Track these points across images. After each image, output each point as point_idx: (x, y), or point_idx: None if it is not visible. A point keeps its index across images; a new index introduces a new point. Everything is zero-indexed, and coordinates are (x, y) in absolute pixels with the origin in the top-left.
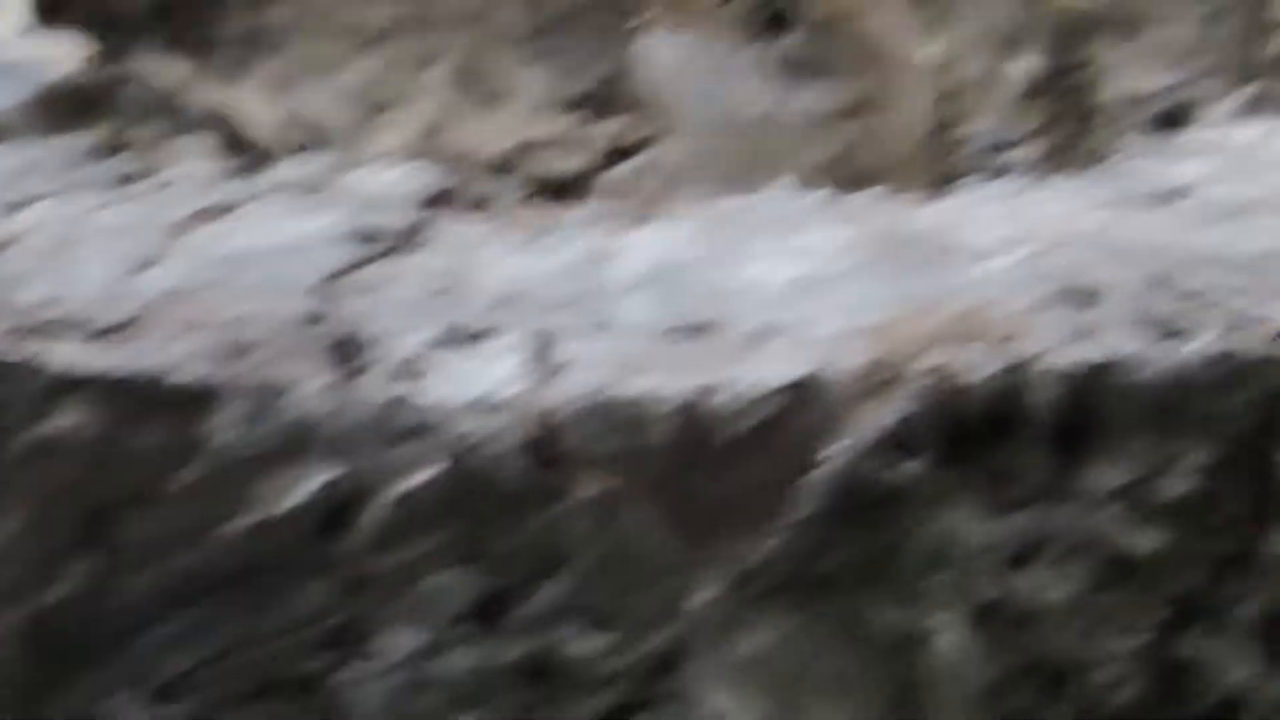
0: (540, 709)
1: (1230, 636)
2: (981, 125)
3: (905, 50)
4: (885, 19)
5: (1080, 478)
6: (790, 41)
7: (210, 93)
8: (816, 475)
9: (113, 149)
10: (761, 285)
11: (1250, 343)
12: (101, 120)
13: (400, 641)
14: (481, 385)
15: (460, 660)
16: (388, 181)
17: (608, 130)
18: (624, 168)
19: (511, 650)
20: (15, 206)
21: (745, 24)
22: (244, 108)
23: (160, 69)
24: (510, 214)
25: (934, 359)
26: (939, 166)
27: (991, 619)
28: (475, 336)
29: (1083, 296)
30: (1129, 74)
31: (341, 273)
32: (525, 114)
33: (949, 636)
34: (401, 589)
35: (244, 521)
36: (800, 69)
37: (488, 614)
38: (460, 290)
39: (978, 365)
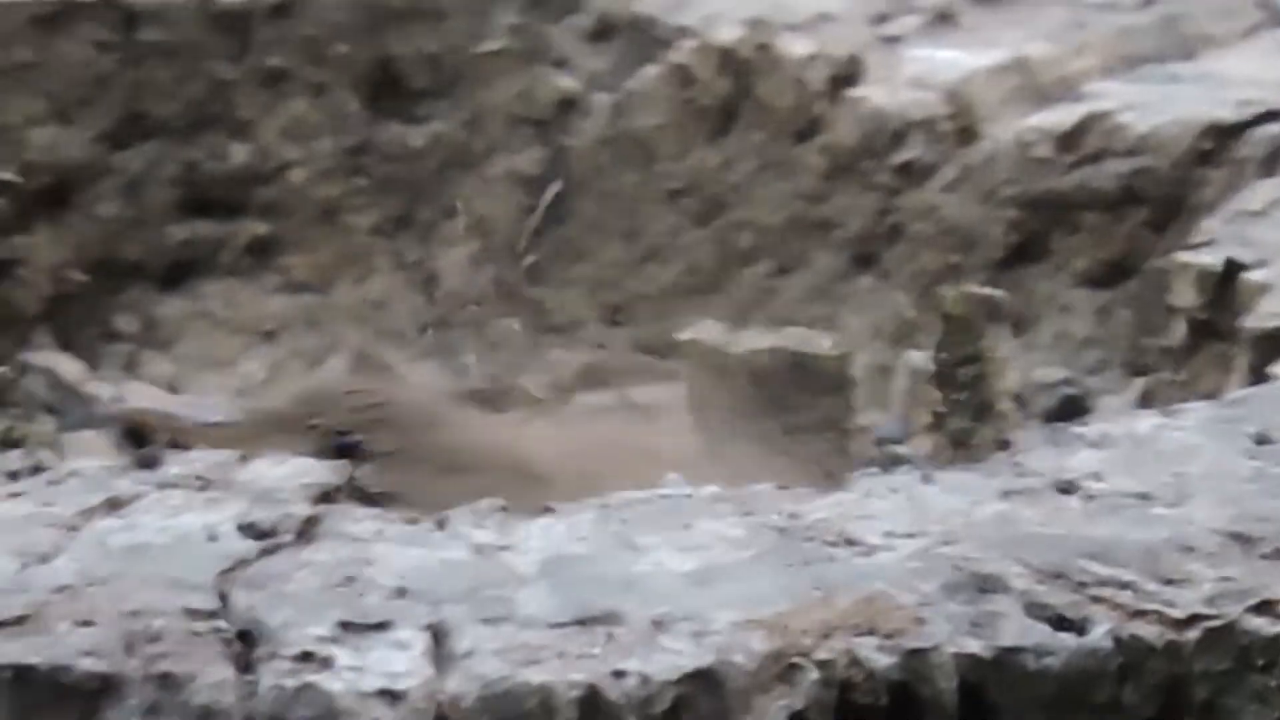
0: None
1: None
2: (877, 418)
3: None
4: None
5: None
6: None
7: (103, 389)
8: None
9: (7, 444)
10: (658, 576)
11: (1146, 632)
12: None
13: None
14: (383, 676)
15: None
16: (280, 476)
17: None
18: None
19: None
20: None
21: None
22: (137, 404)
23: (53, 366)
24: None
25: (832, 649)
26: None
27: None
28: (375, 627)
29: (980, 587)
30: (1025, 366)
31: (239, 565)
32: None
33: None
34: None
35: None
36: None
37: None
38: (357, 582)
39: (876, 656)
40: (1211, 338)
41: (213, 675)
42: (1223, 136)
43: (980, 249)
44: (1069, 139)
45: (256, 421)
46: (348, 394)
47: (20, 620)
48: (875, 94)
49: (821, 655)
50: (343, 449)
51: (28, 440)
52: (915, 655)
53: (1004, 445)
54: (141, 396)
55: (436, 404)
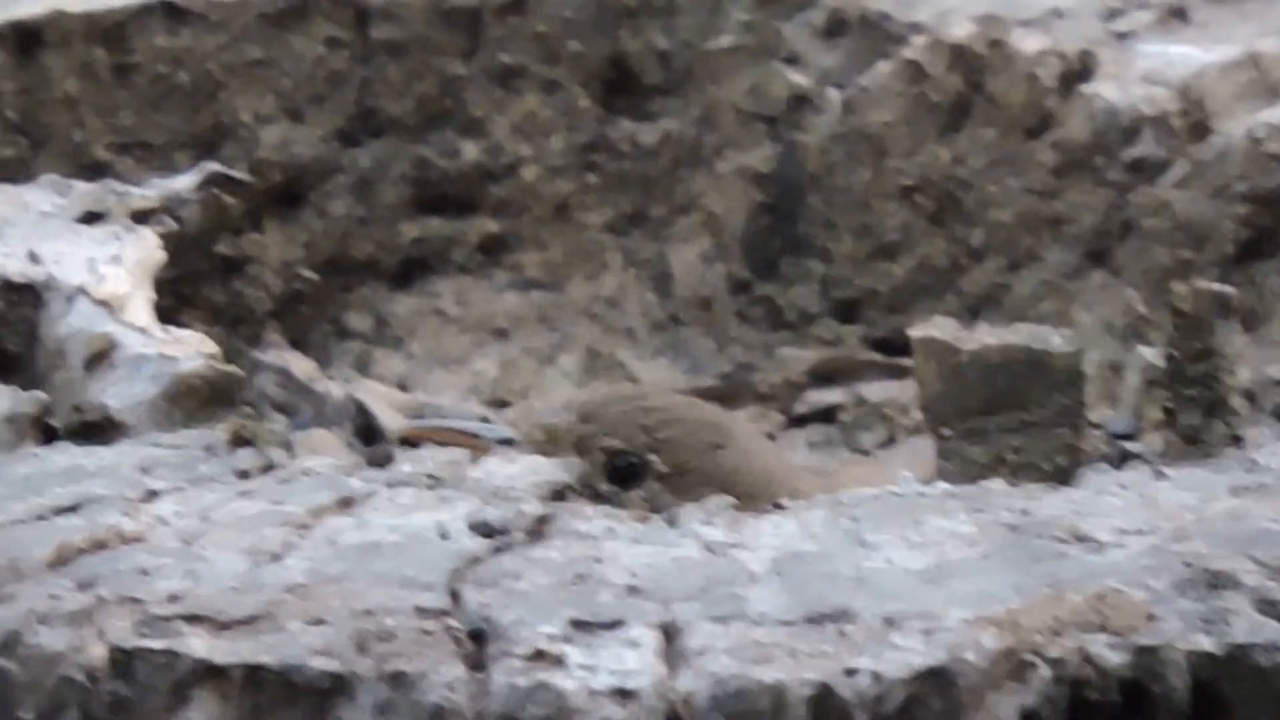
0: None
1: None
2: (1108, 414)
3: None
4: None
5: None
6: None
7: (335, 387)
8: None
9: (239, 442)
10: (890, 574)
11: None
12: (228, 414)
13: None
14: (615, 674)
15: None
16: (512, 474)
17: None
18: None
19: None
20: (143, 500)
21: None
22: (368, 401)
23: (284, 364)
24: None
25: (1064, 647)
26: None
27: None
28: (607, 625)
29: (1211, 584)
30: (1256, 362)
31: (471, 564)
32: None
33: None
34: None
35: None
36: None
37: None
38: (589, 580)
39: (1108, 653)
40: None
41: (445, 674)
42: None
43: (1212, 245)
44: None
45: (543, 441)
46: (634, 409)
47: (252, 620)
48: (1107, 90)
49: (1053, 653)
50: (625, 472)
51: (259, 439)
52: (1147, 652)
53: (1236, 441)
54: (372, 395)
55: (722, 424)
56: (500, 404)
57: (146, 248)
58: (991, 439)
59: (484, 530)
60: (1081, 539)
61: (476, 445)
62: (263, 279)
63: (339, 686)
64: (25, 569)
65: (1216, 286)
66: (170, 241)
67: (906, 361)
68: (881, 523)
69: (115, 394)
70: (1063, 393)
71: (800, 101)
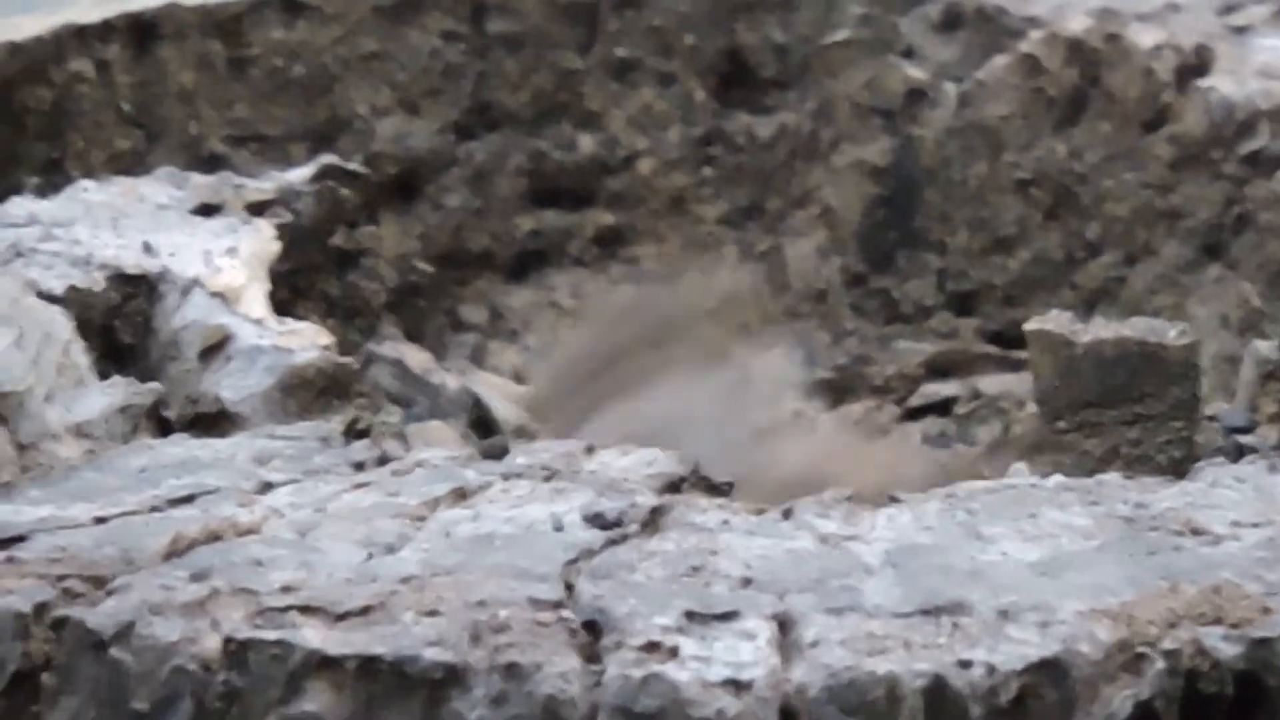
0: None
1: None
2: (1223, 408)
3: None
4: None
5: None
6: None
7: (450, 379)
8: None
9: (354, 433)
10: (1004, 566)
11: None
12: (342, 405)
13: None
14: (729, 665)
15: None
16: (625, 466)
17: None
18: None
19: None
20: (258, 491)
21: None
22: (483, 393)
23: (400, 356)
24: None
25: (1178, 639)
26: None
27: None
28: (721, 617)
29: None
30: None
31: (584, 555)
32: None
33: None
34: None
35: None
36: None
37: None
38: (703, 572)
39: (1222, 645)
40: None
41: (558, 665)
42: None
43: None
44: None
45: None
46: None
47: (366, 610)
48: (1223, 84)
49: (1167, 645)
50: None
51: (374, 430)
52: (1262, 645)
53: None
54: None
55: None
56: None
57: (262, 240)
58: (1106, 432)
59: (598, 522)
60: (1196, 532)
61: None
62: (378, 271)
63: (452, 678)
64: (140, 560)
65: None
66: (286, 233)
67: (1022, 354)
68: (996, 515)
69: (230, 386)
70: (1178, 386)
71: (916, 95)
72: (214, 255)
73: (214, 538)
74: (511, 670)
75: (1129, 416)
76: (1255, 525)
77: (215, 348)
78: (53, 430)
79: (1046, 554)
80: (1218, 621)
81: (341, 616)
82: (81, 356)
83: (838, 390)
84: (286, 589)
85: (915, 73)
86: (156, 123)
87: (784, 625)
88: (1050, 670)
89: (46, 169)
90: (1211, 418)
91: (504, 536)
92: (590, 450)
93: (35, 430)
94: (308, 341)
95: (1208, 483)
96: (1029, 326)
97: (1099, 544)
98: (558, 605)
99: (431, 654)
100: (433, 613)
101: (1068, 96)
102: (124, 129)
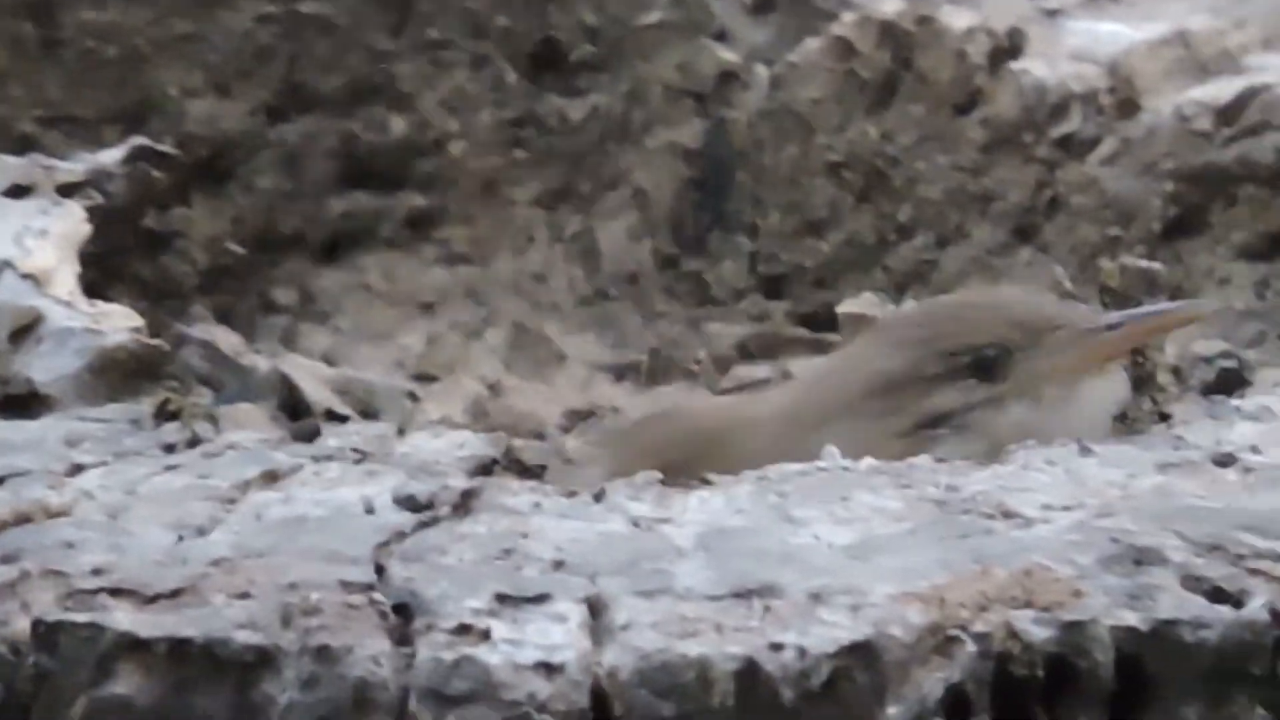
0: None
1: None
2: None
3: None
4: None
5: None
6: None
7: (260, 361)
8: None
9: (164, 416)
10: (816, 549)
11: None
12: (153, 388)
13: None
14: (540, 648)
15: None
16: (437, 449)
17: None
18: None
19: None
20: (69, 474)
21: None
22: (294, 375)
23: (211, 338)
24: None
25: (989, 622)
26: None
27: None
28: (532, 600)
29: (1137, 559)
30: (1183, 339)
31: (396, 538)
32: (576, 382)
33: None
34: None
35: None
36: None
37: None
38: (515, 555)
39: (1033, 628)
40: None
41: (369, 648)
42: None
43: (1139, 222)
44: (1229, 112)
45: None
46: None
47: (177, 593)
48: (1036, 67)
49: (979, 628)
50: (990, 362)
51: (184, 412)
52: (1073, 628)
53: (1162, 418)
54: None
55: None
56: (427, 378)
57: (73, 222)
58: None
59: (409, 504)
60: (1008, 515)
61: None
62: (189, 253)
63: (263, 660)
64: None
65: (1144, 263)
66: (97, 215)
67: (834, 337)
68: (808, 498)
69: (41, 367)
70: None
71: (729, 78)
72: (25, 237)
73: (24, 520)
74: (322, 653)
75: None
76: (1066, 508)
77: (25, 329)
78: None
79: (858, 537)
80: (1029, 604)
81: (152, 599)
82: None
83: (649, 373)
84: (97, 571)
85: (727, 55)
86: None
87: (595, 608)
88: (861, 653)
89: None
90: None
91: (315, 519)
92: (401, 432)
93: None
94: (118, 323)
95: (1019, 466)
96: (841, 309)
97: (910, 527)
98: (369, 588)
99: (242, 636)
100: (243, 595)
101: (880, 79)
102: None
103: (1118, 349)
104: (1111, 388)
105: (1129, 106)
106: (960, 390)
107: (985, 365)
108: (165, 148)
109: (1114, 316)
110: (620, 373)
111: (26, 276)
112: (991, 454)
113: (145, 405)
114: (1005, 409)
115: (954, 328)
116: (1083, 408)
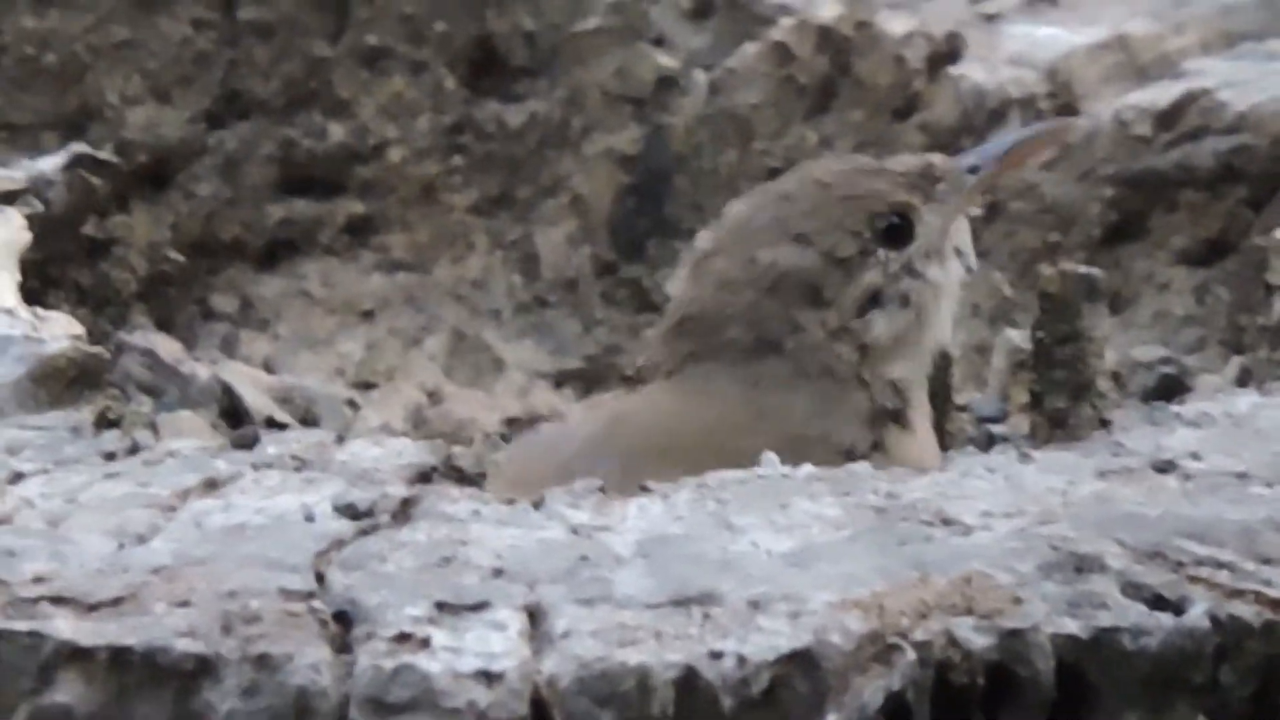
0: None
1: None
2: (974, 397)
3: None
4: None
5: None
6: None
7: (200, 369)
8: None
9: (105, 423)
10: (755, 556)
11: (1244, 612)
12: (93, 395)
13: None
14: (480, 656)
15: None
16: (377, 456)
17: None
18: None
19: None
20: (9, 481)
21: None
22: (234, 383)
23: (151, 345)
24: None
25: (929, 630)
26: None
27: None
28: (472, 608)
29: (1077, 567)
30: (1123, 344)
31: (336, 546)
32: (515, 389)
33: None
34: None
35: None
36: None
37: None
38: (454, 562)
39: (973, 636)
40: None
41: (310, 656)
42: None
43: (1079, 227)
44: (1168, 117)
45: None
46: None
47: (117, 601)
48: (974, 72)
49: (919, 636)
50: (896, 230)
51: (124, 420)
52: (1013, 635)
53: (1102, 424)
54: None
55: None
56: (366, 385)
57: (12, 229)
58: None
59: (349, 512)
60: (947, 522)
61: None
62: (129, 260)
63: (204, 668)
64: None
65: (1083, 269)
66: (36, 222)
67: None
68: (747, 505)
69: None
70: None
71: (667, 83)
72: None
73: None
74: (263, 661)
75: None
76: (1006, 515)
77: None
78: None
79: (797, 544)
80: (969, 612)
81: (93, 607)
82: None
83: (587, 380)
84: (38, 579)
85: (666, 60)
86: None
87: (535, 616)
88: (801, 661)
89: None
90: (963, 407)
91: (255, 527)
92: (341, 440)
93: None
94: (59, 331)
95: (959, 473)
96: None
97: (850, 534)
98: (309, 596)
99: (183, 644)
100: (184, 603)
101: (818, 84)
102: None
103: (994, 182)
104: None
105: (1067, 111)
106: (878, 264)
107: (892, 233)
108: (105, 155)
109: (970, 159)
110: (559, 380)
111: None
112: (919, 323)
113: (86, 413)
114: (921, 272)
115: (849, 204)
116: (965, 254)
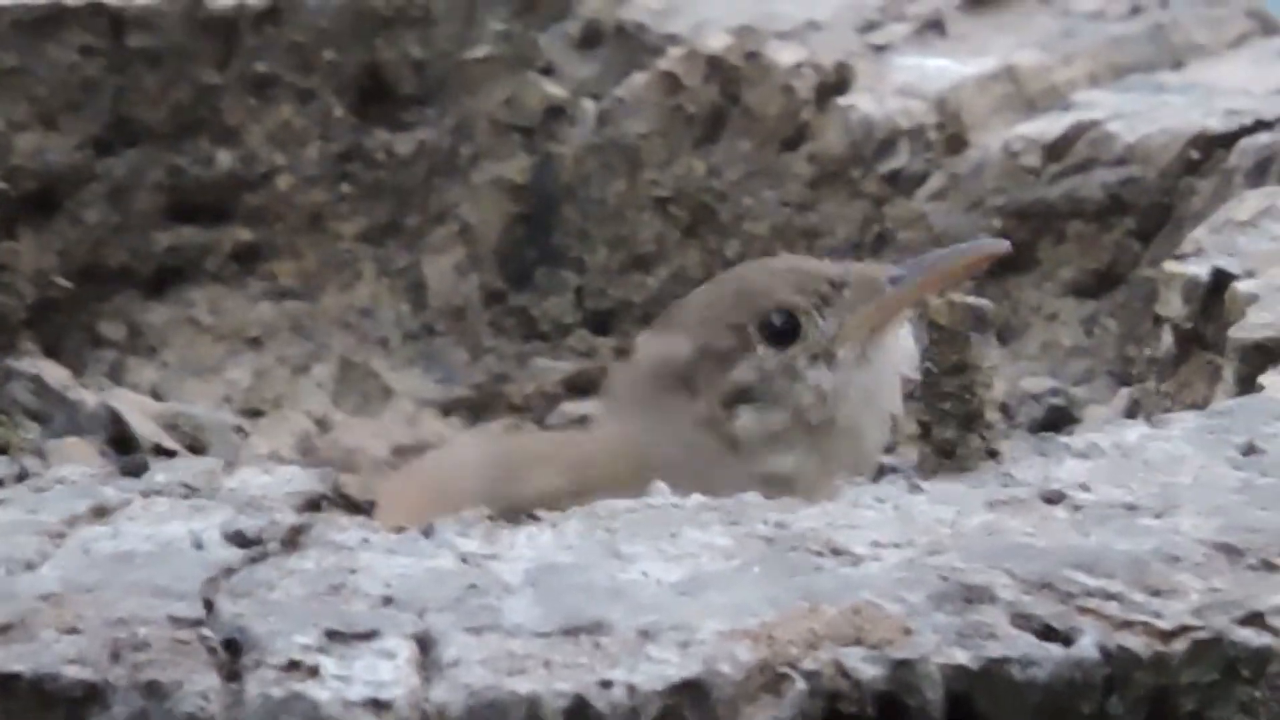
0: None
1: None
2: None
3: None
4: None
5: None
6: None
7: (88, 395)
8: None
9: None
10: (645, 585)
11: (1133, 643)
12: None
13: None
14: (369, 685)
15: None
16: (266, 484)
17: None
18: None
19: None
20: None
21: None
22: (122, 410)
23: (38, 372)
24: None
25: (819, 659)
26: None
27: None
28: (361, 636)
29: (967, 597)
30: (1011, 375)
31: (225, 574)
32: (403, 417)
33: None
34: None
35: None
36: None
37: None
38: (344, 590)
39: (863, 666)
40: (1199, 348)
41: (198, 684)
42: (1211, 146)
43: None
44: (1057, 148)
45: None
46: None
47: (5, 628)
48: (863, 102)
49: (808, 665)
50: (782, 329)
51: (12, 447)
52: (902, 665)
53: (991, 455)
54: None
55: None
56: (254, 413)
57: None
58: None
59: (238, 540)
60: (837, 552)
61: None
62: (16, 286)
63: (92, 695)
64: None
65: (972, 300)
66: None
67: None
68: (637, 534)
69: None
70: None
71: (556, 112)
72: None
73: None
74: (151, 688)
75: None
76: (896, 545)
77: None
78: None
79: (687, 573)
80: (858, 642)
81: None
82: None
83: (476, 408)
84: None
85: (555, 90)
86: None
87: (424, 644)
88: (691, 690)
89: None
90: None
91: (144, 554)
92: (230, 468)
93: None
94: None
95: (848, 502)
96: None
97: (739, 564)
98: (198, 623)
99: (71, 672)
100: (72, 630)
101: (707, 114)
102: None
103: (907, 300)
104: (901, 344)
105: (956, 142)
106: (754, 361)
107: (774, 332)
108: None
109: (895, 269)
110: (448, 408)
111: None
112: (795, 423)
113: None
114: (802, 375)
115: (737, 300)
116: (877, 367)
